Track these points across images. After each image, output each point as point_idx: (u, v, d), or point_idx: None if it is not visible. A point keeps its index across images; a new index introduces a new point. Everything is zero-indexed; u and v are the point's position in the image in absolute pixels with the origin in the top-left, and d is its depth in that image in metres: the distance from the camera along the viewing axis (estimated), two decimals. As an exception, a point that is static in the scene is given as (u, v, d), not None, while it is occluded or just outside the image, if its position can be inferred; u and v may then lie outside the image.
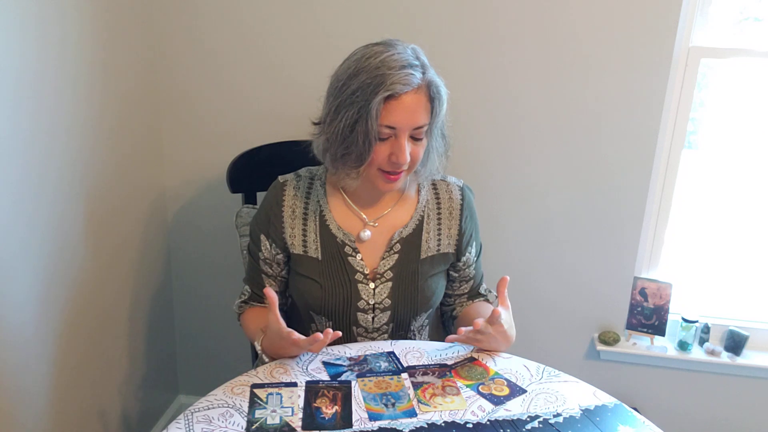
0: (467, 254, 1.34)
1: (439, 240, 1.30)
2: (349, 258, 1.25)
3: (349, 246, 1.25)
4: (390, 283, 1.26)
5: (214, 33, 1.73)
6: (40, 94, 1.33)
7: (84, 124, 1.48)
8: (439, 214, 1.31)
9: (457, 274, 1.36)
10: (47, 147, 1.36)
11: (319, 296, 1.25)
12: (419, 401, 1.02)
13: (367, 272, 1.25)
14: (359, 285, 1.25)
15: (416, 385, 1.06)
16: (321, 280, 1.24)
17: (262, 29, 1.71)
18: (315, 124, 1.24)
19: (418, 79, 1.11)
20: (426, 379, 1.08)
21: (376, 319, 1.26)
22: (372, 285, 1.25)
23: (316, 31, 1.69)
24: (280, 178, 1.31)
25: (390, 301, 1.26)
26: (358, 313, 1.25)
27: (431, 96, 1.14)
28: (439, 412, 0.99)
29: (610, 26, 1.61)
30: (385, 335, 1.29)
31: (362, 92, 1.10)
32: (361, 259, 1.25)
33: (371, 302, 1.25)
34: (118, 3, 1.58)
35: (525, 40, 1.65)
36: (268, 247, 1.28)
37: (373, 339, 1.28)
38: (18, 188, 1.29)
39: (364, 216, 1.28)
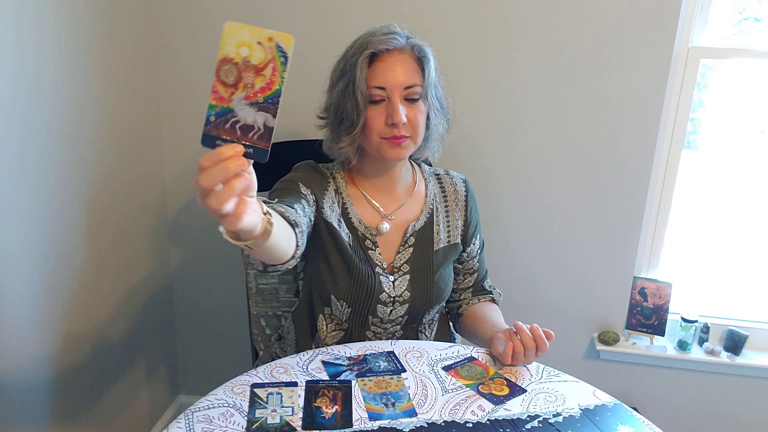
0: (472, 245, 1.36)
1: (449, 231, 1.32)
2: (369, 252, 1.26)
3: (369, 240, 1.26)
4: (408, 276, 1.27)
5: (216, 25, 1.73)
6: (38, 88, 1.32)
7: (83, 119, 1.48)
8: (446, 205, 1.33)
9: (461, 266, 1.38)
10: (45, 142, 1.36)
11: (345, 281, 1.24)
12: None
13: (385, 266, 1.27)
14: (381, 278, 1.26)
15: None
16: (350, 266, 1.24)
17: (266, 24, 1.70)
18: (321, 118, 1.25)
19: (401, 42, 1.15)
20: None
21: (393, 311, 1.27)
22: (391, 278, 1.26)
23: (320, 29, 1.69)
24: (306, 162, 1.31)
25: (409, 294, 1.27)
26: (379, 305, 1.26)
27: (418, 57, 1.17)
28: (438, 411, 1.00)
29: (609, 26, 1.61)
30: (398, 327, 1.30)
31: (350, 61, 1.15)
32: (380, 254, 1.27)
33: (392, 295, 1.26)
34: None
35: (525, 40, 1.65)
36: (307, 195, 1.19)
37: (385, 330, 1.29)
38: (17, 185, 1.29)
39: (382, 209, 1.28)
